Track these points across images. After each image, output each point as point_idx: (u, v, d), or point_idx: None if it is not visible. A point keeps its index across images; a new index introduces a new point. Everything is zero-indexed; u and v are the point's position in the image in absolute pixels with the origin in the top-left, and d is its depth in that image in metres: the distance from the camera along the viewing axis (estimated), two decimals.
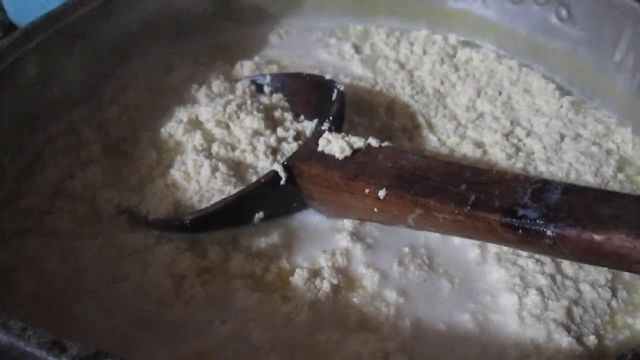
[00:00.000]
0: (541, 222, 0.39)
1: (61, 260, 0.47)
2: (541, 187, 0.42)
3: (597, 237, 0.37)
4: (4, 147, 0.52)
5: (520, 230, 0.40)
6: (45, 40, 0.55)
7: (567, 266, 0.48)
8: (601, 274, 0.47)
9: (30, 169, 0.54)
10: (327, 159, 0.49)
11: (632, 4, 0.59)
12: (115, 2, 0.62)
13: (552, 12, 0.67)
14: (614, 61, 0.62)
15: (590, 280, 0.47)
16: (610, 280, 0.47)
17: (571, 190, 0.41)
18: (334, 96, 0.56)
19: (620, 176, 0.56)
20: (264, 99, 0.61)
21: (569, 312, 0.44)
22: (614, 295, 0.46)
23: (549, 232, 0.39)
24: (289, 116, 0.59)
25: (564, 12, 0.66)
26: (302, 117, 0.59)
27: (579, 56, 0.66)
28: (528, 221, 0.40)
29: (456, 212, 0.43)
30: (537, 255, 0.48)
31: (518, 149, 0.59)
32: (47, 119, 0.57)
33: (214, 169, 0.51)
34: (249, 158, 0.53)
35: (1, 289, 0.44)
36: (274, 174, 0.49)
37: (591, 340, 0.43)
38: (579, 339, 0.43)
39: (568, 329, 0.43)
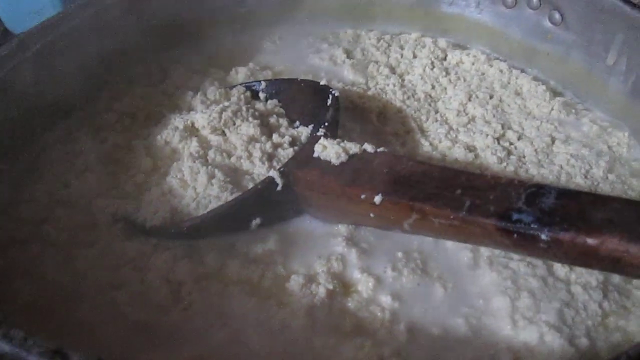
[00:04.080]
0: (536, 226, 0.40)
1: (58, 269, 0.47)
2: (535, 191, 0.42)
3: (590, 241, 0.38)
4: (1, 155, 0.52)
5: (516, 235, 0.41)
6: (41, 49, 0.55)
7: (559, 268, 0.48)
8: (592, 276, 0.48)
9: (26, 177, 0.54)
10: (323, 165, 0.50)
11: (624, 8, 0.60)
12: (110, 10, 0.62)
13: (546, 16, 0.67)
14: (607, 64, 0.63)
15: (582, 282, 0.47)
16: (602, 282, 0.48)
17: (565, 194, 0.42)
18: (329, 101, 0.57)
19: (611, 177, 0.57)
20: (259, 105, 0.61)
21: (560, 314, 0.45)
22: (606, 296, 0.47)
23: (543, 236, 0.39)
24: (284, 122, 0.59)
25: (557, 16, 0.66)
26: (297, 122, 0.59)
27: (572, 59, 0.66)
28: (523, 225, 0.40)
29: (452, 217, 0.43)
30: (528, 258, 0.48)
31: (509, 153, 0.59)
32: (43, 127, 0.57)
33: (211, 176, 0.51)
34: (245, 164, 0.53)
35: None
36: (271, 180, 0.49)
37: (583, 342, 0.43)
38: (570, 340, 0.43)
39: (560, 331, 0.44)
